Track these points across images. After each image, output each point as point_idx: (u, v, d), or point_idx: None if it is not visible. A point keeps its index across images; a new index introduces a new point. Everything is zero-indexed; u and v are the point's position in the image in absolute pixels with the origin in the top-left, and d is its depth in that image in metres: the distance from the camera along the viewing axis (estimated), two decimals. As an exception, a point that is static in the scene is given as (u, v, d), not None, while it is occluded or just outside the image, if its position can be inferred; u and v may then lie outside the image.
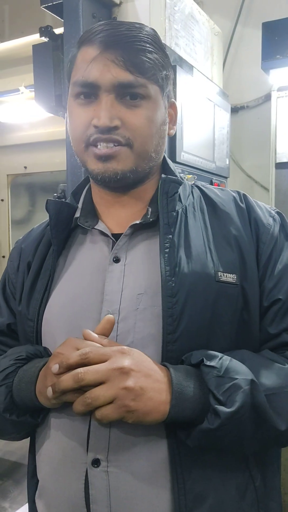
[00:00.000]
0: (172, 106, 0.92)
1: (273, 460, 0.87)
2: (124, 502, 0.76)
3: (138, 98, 0.81)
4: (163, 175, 0.89)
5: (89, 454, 0.77)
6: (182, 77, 1.57)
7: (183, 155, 1.61)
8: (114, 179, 0.82)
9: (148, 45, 0.81)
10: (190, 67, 1.69)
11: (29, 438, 0.93)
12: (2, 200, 3.24)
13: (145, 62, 0.80)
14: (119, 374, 0.69)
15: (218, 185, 1.87)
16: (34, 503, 0.89)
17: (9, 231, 3.23)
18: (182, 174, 1.61)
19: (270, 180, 2.09)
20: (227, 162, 2.04)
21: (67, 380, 0.70)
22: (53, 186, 2.95)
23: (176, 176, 0.90)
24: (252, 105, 2.37)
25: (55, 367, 0.72)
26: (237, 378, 0.71)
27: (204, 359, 0.73)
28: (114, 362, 0.70)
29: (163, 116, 0.86)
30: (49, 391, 0.72)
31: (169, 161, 0.94)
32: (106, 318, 0.76)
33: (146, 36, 0.82)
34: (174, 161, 1.57)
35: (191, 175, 1.64)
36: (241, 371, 0.73)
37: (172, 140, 1.55)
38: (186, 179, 1.60)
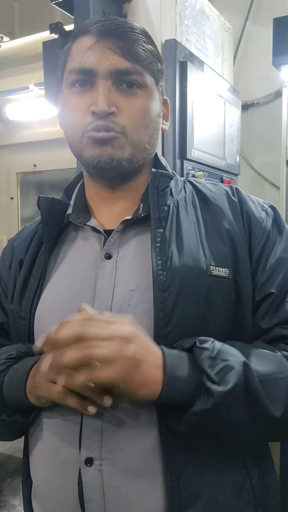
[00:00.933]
0: (165, 103, 0.92)
1: (269, 456, 0.86)
2: (118, 500, 0.75)
3: (134, 87, 0.80)
4: (153, 169, 0.88)
5: (81, 453, 0.76)
6: (192, 73, 1.56)
7: (193, 152, 1.60)
8: (110, 164, 0.81)
9: (143, 37, 0.82)
10: (201, 63, 1.68)
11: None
12: (12, 198, 3.25)
13: (142, 50, 0.80)
14: (122, 340, 0.68)
15: (229, 183, 1.86)
16: (30, 504, 0.89)
17: (18, 229, 3.23)
18: (192, 171, 1.60)
19: (281, 177, 2.07)
20: (238, 159, 2.02)
21: (68, 333, 0.68)
22: (62, 184, 2.95)
23: (167, 171, 0.90)
24: (262, 102, 2.35)
25: (44, 367, 0.71)
26: (229, 360, 0.70)
27: (197, 342, 0.72)
28: (118, 328, 0.69)
29: (158, 108, 0.86)
30: (43, 367, 0.70)
31: (161, 157, 0.94)
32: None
33: (139, 29, 0.83)
34: (185, 158, 1.56)
35: (201, 172, 1.63)
36: (233, 353, 0.72)
37: (183, 137, 1.54)
38: (197, 176, 1.59)
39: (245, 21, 2.33)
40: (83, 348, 0.66)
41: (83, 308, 0.73)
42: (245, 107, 2.32)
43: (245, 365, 0.70)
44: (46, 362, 0.70)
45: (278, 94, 2.28)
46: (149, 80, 0.82)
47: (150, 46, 0.83)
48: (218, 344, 0.73)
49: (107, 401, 0.71)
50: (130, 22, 0.83)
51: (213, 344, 0.72)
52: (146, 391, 0.69)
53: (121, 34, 0.79)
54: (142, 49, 0.80)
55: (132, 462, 0.75)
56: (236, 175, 2.02)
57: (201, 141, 1.66)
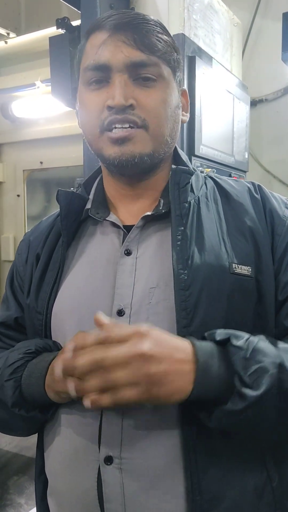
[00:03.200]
0: (183, 94, 0.90)
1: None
2: (138, 499, 0.74)
3: (151, 79, 0.79)
4: (173, 166, 0.87)
5: (101, 451, 0.75)
6: (201, 68, 1.54)
7: (202, 149, 1.58)
8: (131, 162, 0.79)
9: (157, 27, 0.81)
10: (210, 58, 1.66)
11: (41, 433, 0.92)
12: (18, 195, 3.25)
13: (156, 41, 0.79)
14: (140, 360, 0.66)
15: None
16: (42, 501, 0.88)
17: (25, 226, 3.23)
18: (200, 168, 1.58)
19: (290, 174, 2.05)
20: (246, 156, 2.00)
21: (85, 364, 0.66)
22: (69, 181, 2.95)
23: (188, 166, 0.88)
24: (271, 98, 2.32)
25: (58, 370, 0.71)
26: (263, 361, 0.68)
27: (231, 338, 0.70)
28: (133, 345, 0.66)
29: (177, 99, 0.85)
30: (57, 371, 0.70)
31: (181, 152, 0.92)
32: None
33: (153, 20, 0.81)
34: (193, 154, 1.54)
35: (210, 169, 1.61)
36: (268, 353, 0.70)
37: (191, 133, 1.53)
38: (205, 173, 1.57)
39: (254, 15, 2.30)
40: (103, 375, 0.65)
41: (99, 318, 0.70)
42: (254, 103, 2.29)
43: (281, 367, 0.68)
44: (70, 386, 0.69)
45: (287, 91, 2.25)
46: (166, 71, 0.81)
47: (165, 36, 0.81)
48: (252, 343, 0.70)
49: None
50: (143, 14, 0.82)
51: (248, 343, 0.70)
52: (176, 398, 0.68)
53: (135, 27, 0.78)
54: (157, 39, 0.79)
55: (153, 461, 0.74)
56: (245, 172, 2.00)
57: (210, 138, 1.64)
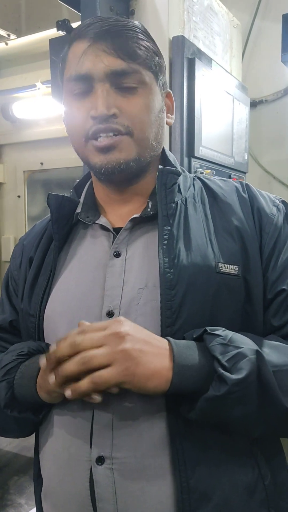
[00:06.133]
0: (168, 96, 0.91)
1: (281, 455, 0.85)
2: (130, 499, 0.74)
3: (132, 88, 0.80)
4: (160, 166, 0.87)
5: (92, 451, 0.76)
6: (200, 70, 1.54)
7: (201, 150, 1.58)
8: (117, 169, 0.80)
9: (137, 33, 0.81)
10: (209, 60, 1.66)
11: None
12: (19, 196, 3.26)
13: (137, 48, 0.79)
14: (115, 338, 0.68)
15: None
16: (41, 503, 0.88)
17: (25, 227, 3.24)
18: (200, 169, 1.58)
19: (290, 175, 2.05)
20: (246, 157, 2.00)
21: (64, 347, 0.69)
22: (69, 182, 2.95)
23: (175, 167, 0.89)
24: (271, 99, 2.33)
25: (42, 361, 0.73)
26: (242, 347, 0.69)
27: (207, 329, 0.72)
28: (110, 328, 0.69)
29: (160, 103, 0.85)
30: (51, 378, 0.71)
31: (169, 153, 0.93)
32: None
33: (134, 26, 0.82)
34: (192, 155, 1.54)
35: (209, 170, 1.61)
36: (246, 342, 0.71)
37: (191, 134, 1.53)
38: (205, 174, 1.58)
39: (253, 17, 2.30)
40: (80, 358, 0.67)
41: (82, 323, 0.74)
42: (253, 104, 2.29)
43: (258, 354, 0.69)
44: (50, 378, 0.71)
45: (287, 91, 2.25)
46: (147, 76, 0.81)
47: (146, 42, 0.82)
48: (230, 332, 0.72)
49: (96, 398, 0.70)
50: (124, 20, 0.82)
51: (225, 332, 0.72)
52: (156, 382, 0.68)
53: (115, 34, 0.78)
54: (137, 46, 0.79)
55: (143, 461, 0.75)
56: (244, 173, 2.00)
57: (209, 139, 1.64)
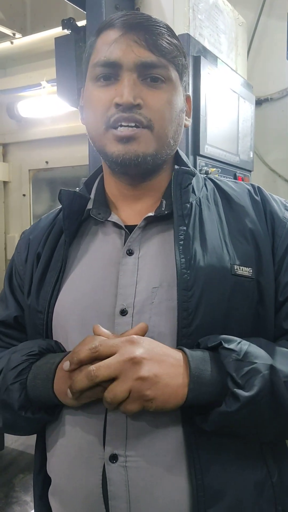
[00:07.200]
0: (188, 99, 0.91)
1: (287, 456, 0.85)
2: (143, 497, 0.74)
3: (159, 81, 0.80)
4: (176, 166, 0.87)
5: (106, 449, 0.76)
6: (206, 68, 1.54)
7: (207, 148, 1.58)
8: (134, 161, 0.80)
9: (168, 31, 0.82)
10: (215, 58, 1.66)
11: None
12: (24, 195, 3.26)
13: (167, 44, 0.80)
14: (131, 365, 0.68)
15: (242, 179, 1.84)
16: (41, 500, 0.88)
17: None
18: (205, 168, 1.58)
19: (295, 174, 2.04)
20: (251, 155, 2.00)
21: (82, 380, 0.70)
22: (75, 181, 2.95)
23: (189, 167, 0.89)
24: (276, 97, 2.32)
25: (66, 364, 0.72)
26: (256, 362, 0.70)
27: (222, 342, 0.72)
28: (124, 353, 0.69)
29: (182, 102, 0.86)
30: (68, 393, 0.72)
31: (181, 153, 0.93)
32: (140, 326, 0.75)
33: (163, 24, 0.83)
34: (198, 154, 1.54)
35: (214, 169, 1.61)
36: (260, 355, 0.71)
37: (196, 132, 1.53)
38: (210, 173, 1.58)
39: (259, 15, 2.30)
40: (106, 400, 0.69)
41: (97, 328, 0.75)
42: (259, 102, 2.28)
43: (272, 368, 0.70)
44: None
45: (292, 89, 2.25)
46: (173, 74, 0.82)
47: (175, 40, 0.83)
48: (244, 345, 0.72)
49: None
50: (154, 17, 0.83)
51: (240, 346, 0.72)
52: (173, 402, 0.70)
53: (146, 28, 0.79)
54: (167, 42, 0.80)
55: (157, 459, 0.75)
56: (250, 171, 1.99)
57: (214, 137, 1.64)
